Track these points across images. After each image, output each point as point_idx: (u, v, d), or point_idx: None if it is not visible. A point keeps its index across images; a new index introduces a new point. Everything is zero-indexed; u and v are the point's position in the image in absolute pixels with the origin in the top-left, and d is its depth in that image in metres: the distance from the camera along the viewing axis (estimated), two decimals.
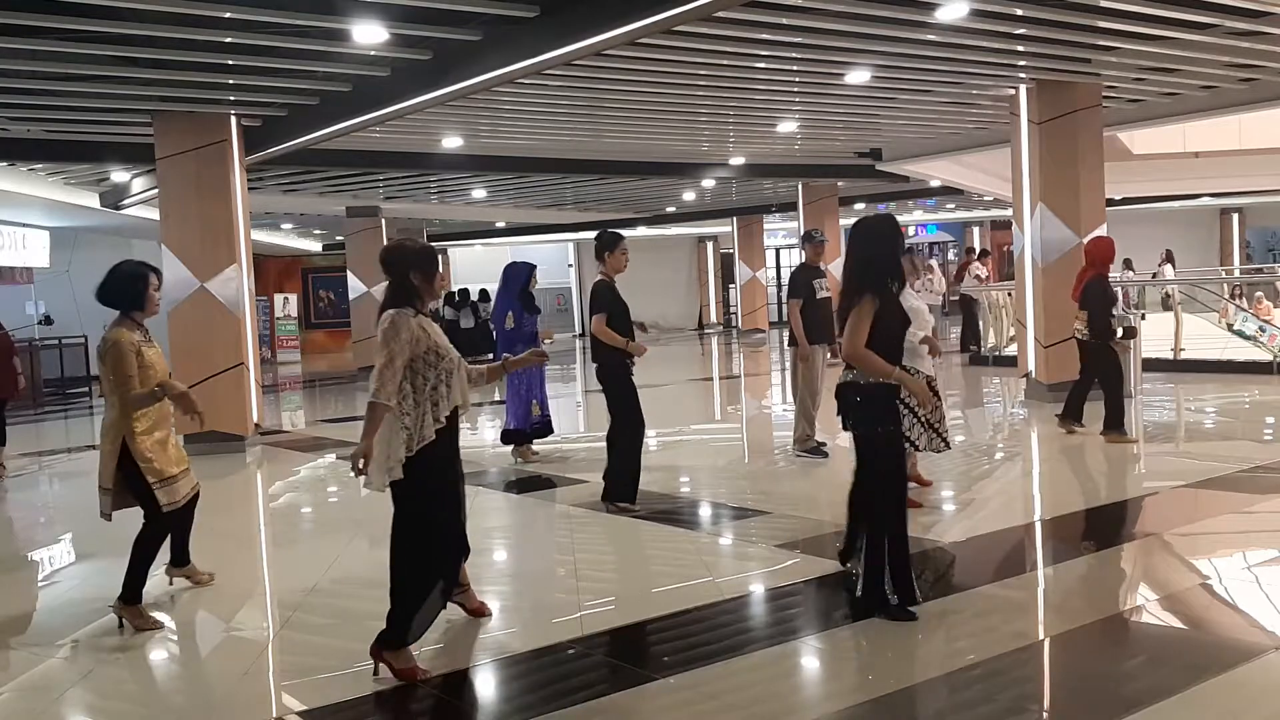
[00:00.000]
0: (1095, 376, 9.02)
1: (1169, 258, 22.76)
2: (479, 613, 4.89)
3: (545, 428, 9.16)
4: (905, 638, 4.55)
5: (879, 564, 4.68)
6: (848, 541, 5.25)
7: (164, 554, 5.52)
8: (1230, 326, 16.94)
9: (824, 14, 8.42)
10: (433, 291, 4.36)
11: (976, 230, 33.88)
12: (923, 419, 6.28)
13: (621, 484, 7.02)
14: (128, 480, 5.10)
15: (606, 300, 6.95)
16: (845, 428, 4.87)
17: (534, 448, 9.25)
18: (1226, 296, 18.50)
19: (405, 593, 4.22)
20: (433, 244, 27.62)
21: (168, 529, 5.31)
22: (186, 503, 5.34)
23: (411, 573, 4.23)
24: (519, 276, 9.15)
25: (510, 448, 9.19)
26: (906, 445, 6.37)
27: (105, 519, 5.18)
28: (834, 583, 5.24)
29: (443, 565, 4.36)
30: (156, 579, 5.59)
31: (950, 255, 33.70)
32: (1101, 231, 11.45)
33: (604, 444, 7.12)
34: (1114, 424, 8.80)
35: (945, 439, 6.41)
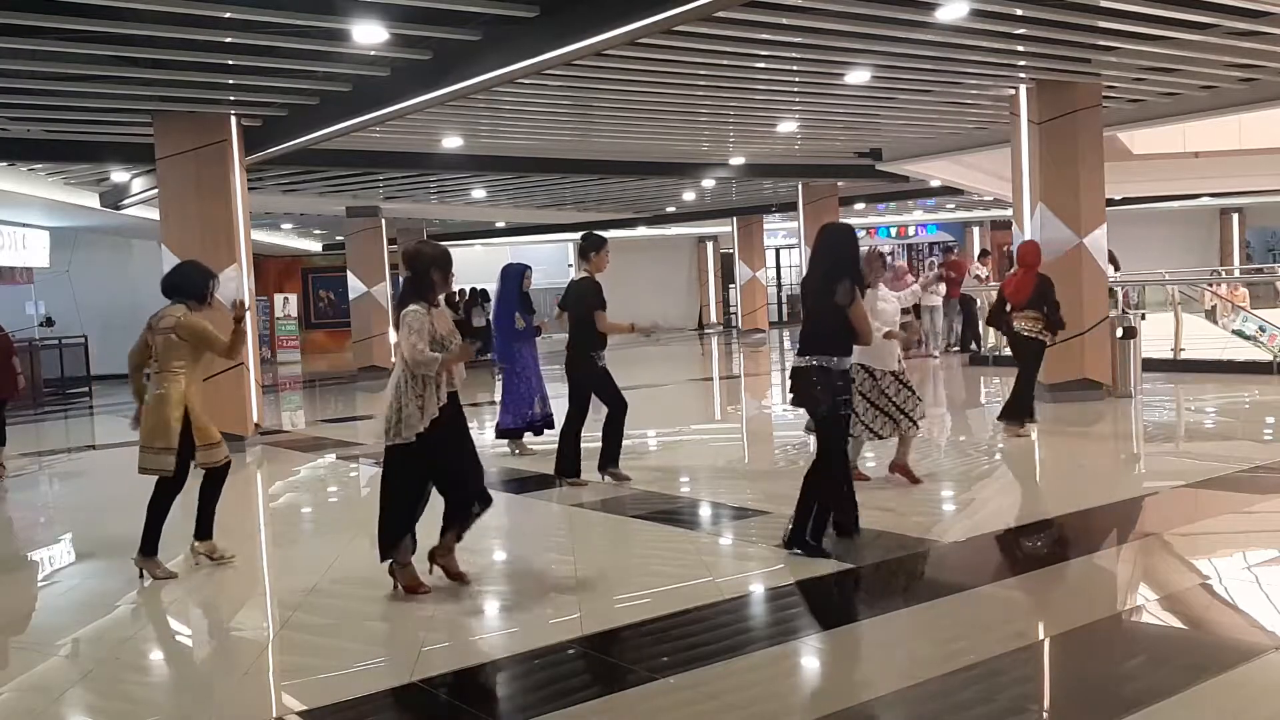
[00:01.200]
0: (1033, 369, 9.24)
1: (1110, 258, 22.47)
2: (460, 578, 5.32)
3: (548, 423, 9.26)
4: (905, 638, 4.55)
5: (824, 515, 5.64)
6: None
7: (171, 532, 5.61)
8: (1209, 312, 16.92)
9: (824, 14, 8.42)
10: (447, 286, 5.32)
11: (976, 230, 33.87)
12: (883, 407, 6.98)
13: (615, 453, 7.87)
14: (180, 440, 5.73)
15: (600, 296, 7.60)
16: (796, 404, 5.72)
17: (529, 444, 9.38)
18: (1205, 285, 18.65)
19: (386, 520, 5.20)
20: (432, 241, 27.63)
21: (178, 490, 5.81)
22: (218, 473, 5.97)
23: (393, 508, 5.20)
24: (515, 277, 9.20)
25: (505, 442, 9.37)
26: (870, 434, 7.04)
27: (168, 474, 5.73)
28: (834, 583, 5.25)
29: (470, 498, 5.29)
30: (176, 561, 5.61)
31: (952, 256, 33.65)
32: (1102, 230, 11.47)
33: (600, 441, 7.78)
34: (1027, 413, 9.16)
35: (914, 421, 7.10)
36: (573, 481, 7.81)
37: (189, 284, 5.93)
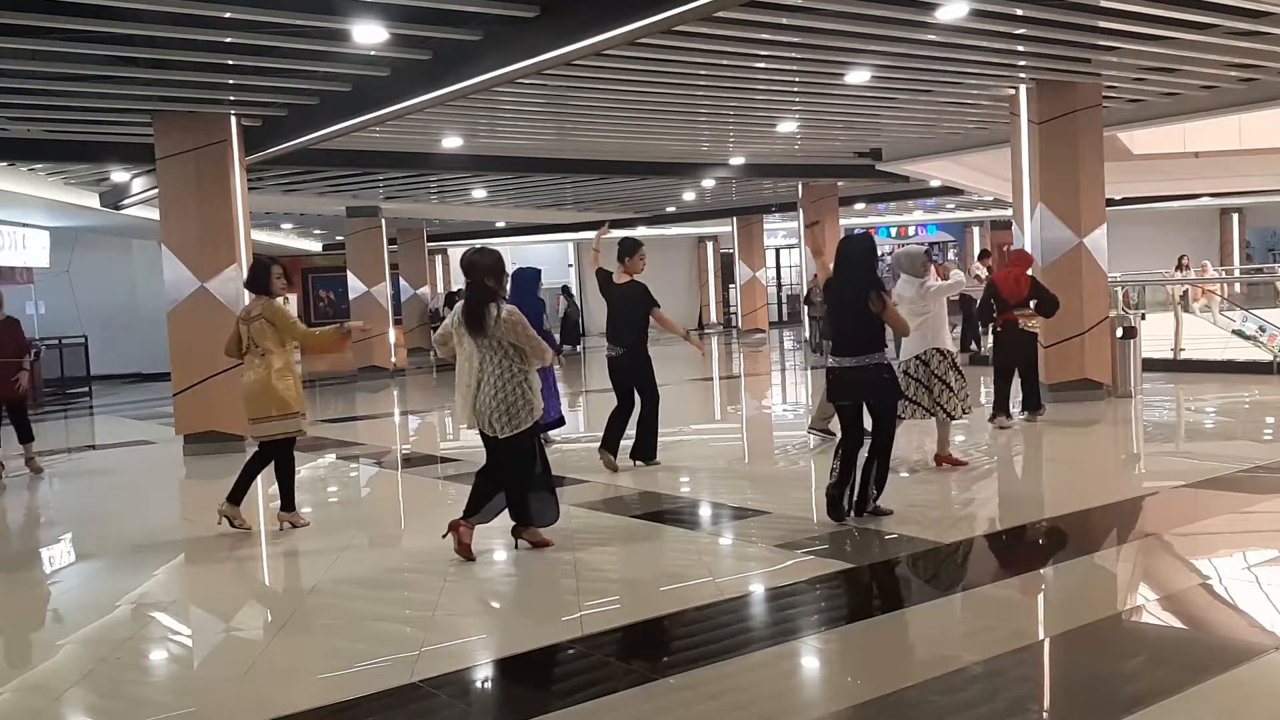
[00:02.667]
0: (1033, 362, 9.75)
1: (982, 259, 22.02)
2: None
3: (560, 419, 9.50)
4: (905, 638, 4.55)
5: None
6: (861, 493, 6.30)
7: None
8: (1181, 298, 16.89)
9: (824, 14, 8.42)
10: (503, 291, 5.87)
11: (976, 230, 33.88)
12: (930, 387, 7.68)
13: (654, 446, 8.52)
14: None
15: (653, 297, 8.32)
16: (859, 399, 6.22)
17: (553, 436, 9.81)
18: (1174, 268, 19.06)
19: (524, 494, 5.93)
20: (431, 243, 27.70)
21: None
22: (287, 452, 6.86)
23: (531, 483, 5.95)
24: (534, 280, 9.27)
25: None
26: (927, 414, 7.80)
27: (300, 435, 6.93)
28: (834, 582, 5.25)
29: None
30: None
31: (950, 255, 33.69)
32: (1102, 230, 11.47)
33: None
34: (1035, 405, 9.78)
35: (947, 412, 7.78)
36: (610, 458, 8.35)
37: (258, 280, 7.06)
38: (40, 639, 5.24)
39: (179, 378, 10.84)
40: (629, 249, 8.40)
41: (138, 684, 4.52)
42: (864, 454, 6.26)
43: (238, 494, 6.78)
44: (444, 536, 5.81)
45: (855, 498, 6.25)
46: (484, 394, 5.70)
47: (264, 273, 7.06)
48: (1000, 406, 9.67)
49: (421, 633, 4.75)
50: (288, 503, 6.95)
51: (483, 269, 5.77)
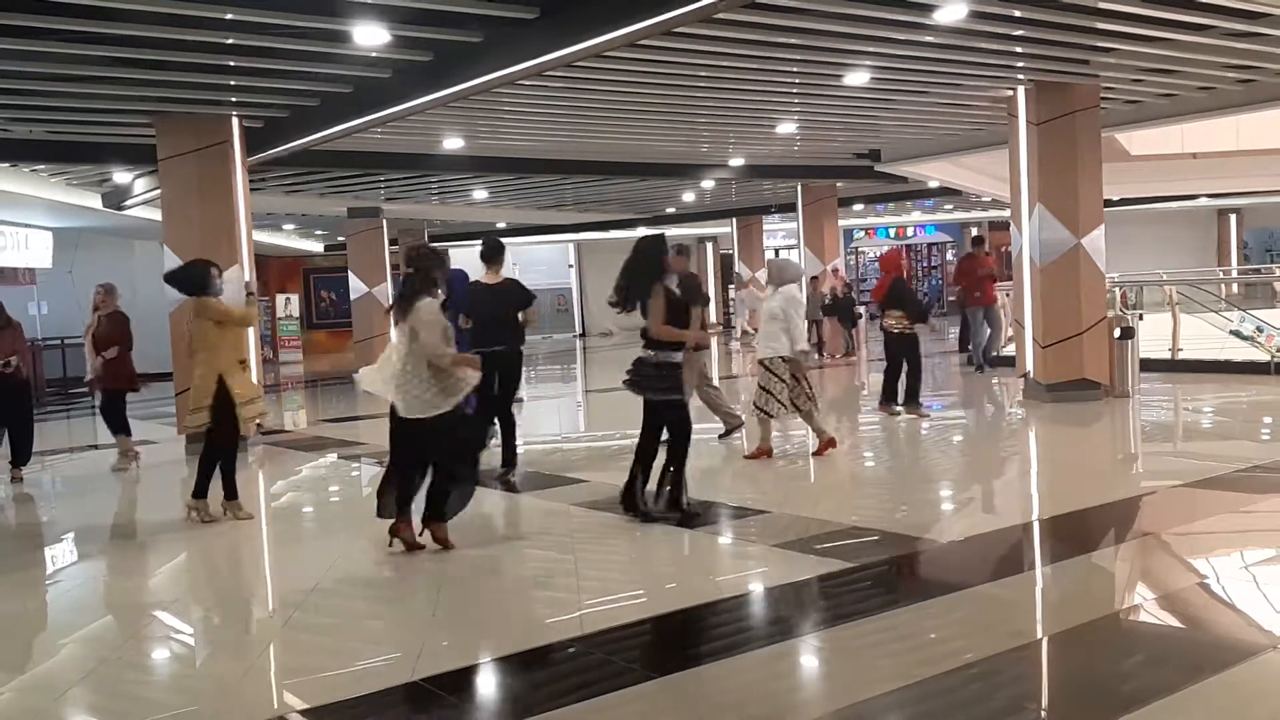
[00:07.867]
0: (906, 360, 10.60)
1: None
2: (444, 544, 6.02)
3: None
4: (904, 637, 4.57)
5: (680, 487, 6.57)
6: (638, 485, 6.61)
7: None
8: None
9: (822, 15, 8.43)
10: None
11: (975, 231, 33.86)
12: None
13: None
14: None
15: None
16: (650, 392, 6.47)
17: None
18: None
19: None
20: (432, 244, 27.66)
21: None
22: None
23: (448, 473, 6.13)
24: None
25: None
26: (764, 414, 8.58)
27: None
28: (833, 582, 5.26)
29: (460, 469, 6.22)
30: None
31: (950, 255, 33.68)
32: (1100, 231, 11.49)
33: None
34: (915, 399, 10.67)
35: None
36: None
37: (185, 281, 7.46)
38: (40, 639, 5.25)
39: (180, 378, 10.84)
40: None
41: (138, 684, 4.53)
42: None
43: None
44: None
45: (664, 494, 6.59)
46: None
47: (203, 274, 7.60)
48: (889, 397, 10.74)
49: (423, 632, 4.77)
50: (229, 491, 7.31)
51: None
